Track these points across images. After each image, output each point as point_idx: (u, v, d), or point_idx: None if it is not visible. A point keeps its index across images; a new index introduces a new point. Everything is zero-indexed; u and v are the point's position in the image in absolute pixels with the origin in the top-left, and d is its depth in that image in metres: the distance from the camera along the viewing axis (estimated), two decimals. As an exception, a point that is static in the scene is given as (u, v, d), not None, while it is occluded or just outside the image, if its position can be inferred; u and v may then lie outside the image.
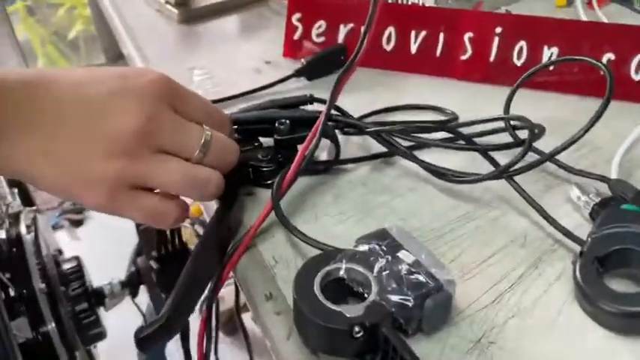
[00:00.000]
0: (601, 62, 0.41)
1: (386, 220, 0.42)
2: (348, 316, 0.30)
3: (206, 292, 0.38)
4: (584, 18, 0.65)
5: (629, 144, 0.47)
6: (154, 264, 0.50)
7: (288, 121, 0.44)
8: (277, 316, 0.35)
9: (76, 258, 0.79)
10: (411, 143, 0.47)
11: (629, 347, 0.32)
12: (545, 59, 0.56)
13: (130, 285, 0.85)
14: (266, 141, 0.46)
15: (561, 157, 0.45)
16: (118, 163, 0.34)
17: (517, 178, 0.42)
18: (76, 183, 0.35)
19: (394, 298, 0.31)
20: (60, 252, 0.82)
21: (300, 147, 0.42)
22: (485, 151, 0.45)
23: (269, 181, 0.44)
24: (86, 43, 2.77)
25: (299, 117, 0.46)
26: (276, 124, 0.44)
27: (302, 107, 0.50)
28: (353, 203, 0.44)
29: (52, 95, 0.34)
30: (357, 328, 0.30)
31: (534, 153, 0.45)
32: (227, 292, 1.39)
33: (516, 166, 0.42)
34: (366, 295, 0.32)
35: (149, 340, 0.34)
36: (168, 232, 0.49)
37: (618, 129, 0.49)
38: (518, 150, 0.42)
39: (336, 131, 0.47)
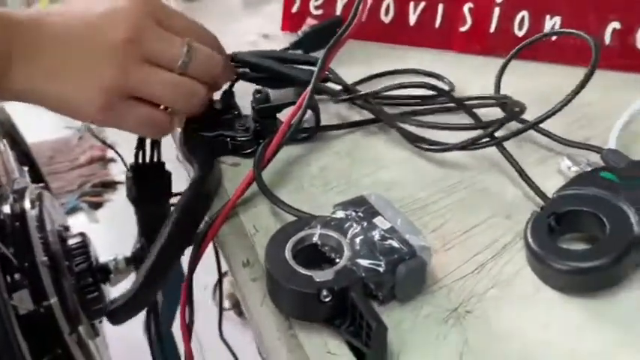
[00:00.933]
0: (584, 33, 0.39)
1: (371, 190, 0.41)
2: (317, 280, 0.30)
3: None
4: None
5: (629, 116, 0.45)
6: (128, 173, 0.52)
7: (266, 89, 0.44)
8: (253, 282, 0.35)
9: (82, 234, 0.80)
10: (405, 110, 0.46)
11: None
12: (547, 29, 0.54)
13: (136, 261, 0.85)
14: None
15: (559, 129, 0.44)
16: (112, 72, 0.38)
17: (510, 150, 0.41)
18: (77, 96, 0.38)
19: (365, 263, 0.31)
20: (66, 228, 0.83)
21: (279, 115, 0.41)
22: (471, 112, 0.44)
23: (248, 151, 0.43)
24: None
25: (294, 75, 0.45)
26: (253, 93, 0.43)
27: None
28: (338, 174, 0.43)
29: (52, 26, 0.38)
30: (325, 292, 0.29)
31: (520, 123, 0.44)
32: (239, 274, 1.41)
33: (502, 134, 0.41)
34: (337, 261, 0.31)
35: (119, 314, 0.34)
36: (148, 144, 0.50)
37: (621, 101, 0.47)
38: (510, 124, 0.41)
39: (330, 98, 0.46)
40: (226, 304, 1.45)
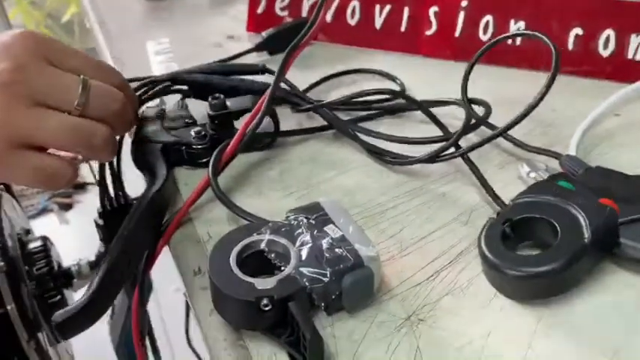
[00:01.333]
0: (546, 36, 0.39)
1: (331, 195, 0.40)
2: (259, 288, 0.29)
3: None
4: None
5: (590, 122, 0.45)
6: (98, 220, 0.50)
7: (222, 96, 0.42)
8: (203, 291, 0.34)
9: (43, 237, 0.78)
10: (361, 114, 0.45)
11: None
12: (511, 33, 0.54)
13: (99, 266, 0.84)
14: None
15: (521, 135, 0.44)
16: None
17: (472, 155, 0.41)
18: None
19: (309, 272, 0.30)
20: (28, 232, 0.80)
21: (236, 123, 0.41)
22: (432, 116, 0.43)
23: (204, 160, 0.42)
24: (80, 27, 2.75)
25: (244, 88, 0.44)
26: (210, 99, 0.42)
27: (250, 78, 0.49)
28: (299, 178, 0.42)
29: None
30: (265, 301, 0.28)
31: (489, 130, 0.44)
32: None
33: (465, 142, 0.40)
34: (282, 268, 0.30)
35: (68, 326, 0.32)
36: (111, 188, 0.48)
37: (582, 107, 0.47)
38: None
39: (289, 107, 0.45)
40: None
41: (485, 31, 0.55)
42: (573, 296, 0.32)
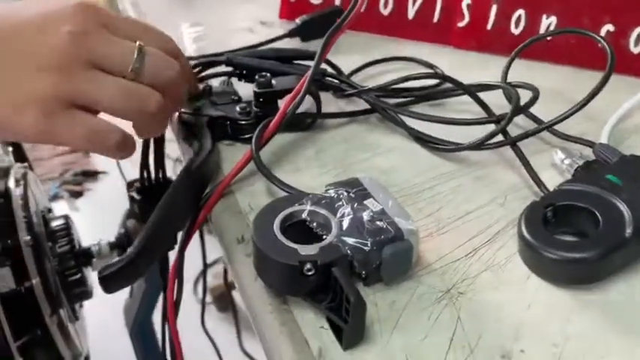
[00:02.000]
0: (602, 37, 0.40)
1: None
2: (302, 253, 0.30)
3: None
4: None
5: (622, 114, 0.46)
6: (135, 195, 0.50)
7: (268, 75, 0.43)
8: (247, 258, 0.35)
9: (65, 217, 0.79)
10: (401, 100, 0.46)
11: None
12: (543, 28, 0.55)
13: (119, 247, 0.85)
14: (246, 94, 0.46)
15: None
16: (49, 78, 0.33)
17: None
18: (7, 108, 0.33)
19: (351, 241, 0.31)
20: (50, 210, 0.81)
21: (280, 101, 0.41)
22: (492, 121, 0.44)
23: (247, 135, 0.43)
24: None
25: (287, 72, 0.45)
26: (256, 77, 0.43)
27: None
28: (334, 158, 0.43)
29: None
30: (308, 266, 0.29)
31: (530, 119, 0.45)
32: (222, 268, 1.40)
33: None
34: (324, 237, 0.31)
35: (112, 280, 0.33)
36: (152, 164, 0.48)
37: (612, 101, 0.48)
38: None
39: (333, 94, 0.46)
40: (208, 298, 1.44)
41: (517, 25, 0.56)
42: (607, 284, 0.32)
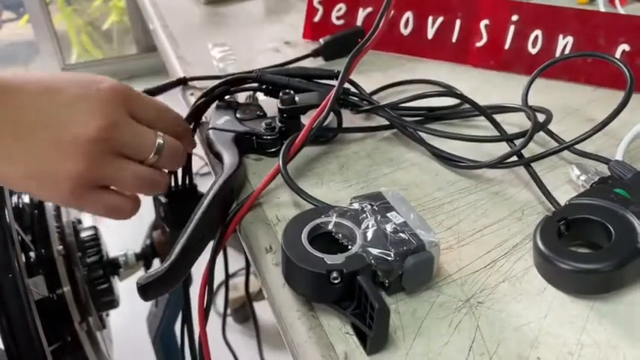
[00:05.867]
0: (619, 60, 0.42)
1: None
2: (329, 262, 0.32)
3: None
4: (603, 13, 0.66)
5: (637, 131, 0.47)
6: (162, 198, 0.53)
7: (292, 92, 0.46)
8: (275, 267, 0.37)
9: (94, 227, 0.82)
10: (420, 118, 0.48)
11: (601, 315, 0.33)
12: (559, 48, 0.57)
13: (145, 257, 0.88)
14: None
15: (570, 139, 0.46)
16: (81, 165, 0.37)
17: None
18: (42, 184, 0.37)
19: (375, 251, 0.32)
20: (79, 221, 0.84)
21: (303, 117, 0.43)
22: (507, 140, 0.45)
23: (272, 150, 0.45)
24: (119, 34, 2.85)
25: (311, 89, 0.47)
26: (280, 94, 0.46)
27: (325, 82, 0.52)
28: (357, 173, 0.45)
29: (15, 104, 0.36)
30: (334, 274, 0.31)
31: (547, 135, 0.47)
32: (240, 281, 1.42)
33: (532, 153, 0.43)
34: (349, 248, 0.33)
35: (151, 288, 0.35)
36: (180, 171, 0.51)
37: (627, 119, 0.49)
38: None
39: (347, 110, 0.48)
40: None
41: (534, 45, 0.57)
42: (621, 295, 0.34)
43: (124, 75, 2.50)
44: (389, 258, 0.33)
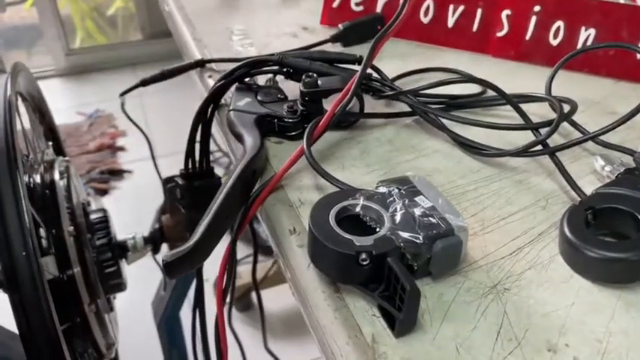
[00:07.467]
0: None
1: (411, 175, 0.43)
2: (357, 244, 0.31)
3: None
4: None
5: (660, 124, 0.47)
6: (179, 180, 0.52)
7: (315, 75, 0.45)
8: (299, 248, 0.36)
9: (103, 210, 0.82)
10: (442, 106, 0.47)
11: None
12: (581, 40, 0.56)
13: (153, 241, 0.87)
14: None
15: (592, 131, 0.46)
16: None
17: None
18: None
19: (404, 234, 0.32)
20: (88, 203, 0.84)
21: (324, 102, 0.43)
22: (532, 128, 0.45)
23: (293, 133, 0.45)
24: (124, 20, 2.83)
25: (333, 74, 0.47)
26: (303, 77, 0.45)
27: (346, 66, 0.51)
28: (379, 158, 0.45)
29: None
30: (363, 255, 0.31)
31: (571, 125, 0.46)
32: (241, 270, 1.42)
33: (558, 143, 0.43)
34: (378, 230, 0.33)
35: (176, 266, 0.35)
36: (197, 153, 0.51)
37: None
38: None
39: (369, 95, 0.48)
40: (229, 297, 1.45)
41: (555, 36, 0.57)
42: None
43: (128, 61, 2.48)
44: (418, 241, 0.32)
